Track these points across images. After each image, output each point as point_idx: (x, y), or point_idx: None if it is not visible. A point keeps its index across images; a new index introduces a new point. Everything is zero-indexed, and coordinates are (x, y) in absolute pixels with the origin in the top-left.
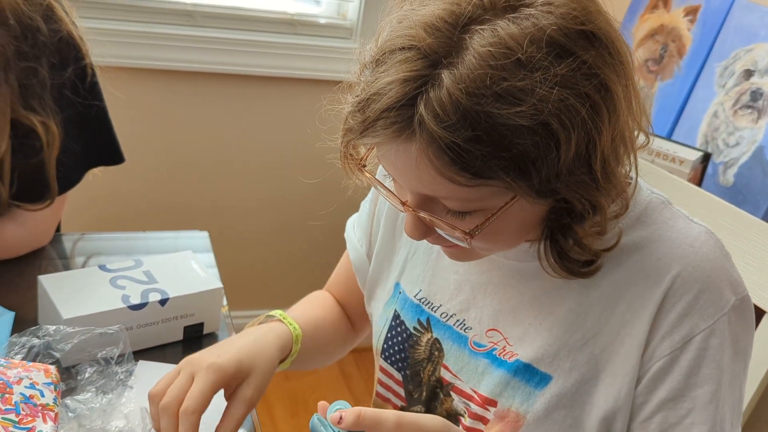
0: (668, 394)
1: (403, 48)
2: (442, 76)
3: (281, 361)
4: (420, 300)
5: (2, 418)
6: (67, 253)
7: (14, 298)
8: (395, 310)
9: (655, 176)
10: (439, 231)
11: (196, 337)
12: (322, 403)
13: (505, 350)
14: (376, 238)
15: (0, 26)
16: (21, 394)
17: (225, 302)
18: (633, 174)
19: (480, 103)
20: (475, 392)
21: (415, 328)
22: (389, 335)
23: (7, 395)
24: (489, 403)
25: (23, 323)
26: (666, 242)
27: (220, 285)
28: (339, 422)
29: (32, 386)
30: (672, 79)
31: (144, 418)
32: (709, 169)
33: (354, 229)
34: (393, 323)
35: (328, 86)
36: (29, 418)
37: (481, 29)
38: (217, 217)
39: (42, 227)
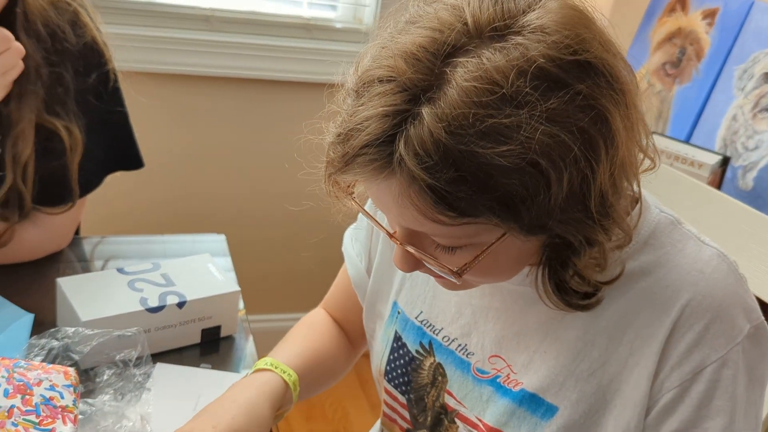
0: (678, 426)
1: (382, 80)
2: (423, 112)
3: (282, 410)
4: (422, 322)
5: (23, 419)
6: (86, 255)
7: (33, 301)
8: (396, 331)
9: (675, 179)
10: (427, 265)
11: (213, 340)
12: None
13: (509, 378)
14: (376, 252)
15: (30, 37)
16: (41, 395)
17: (242, 306)
18: (637, 189)
19: (463, 142)
20: (480, 421)
21: (417, 351)
22: (391, 357)
23: (27, 397)
24: None
25: (42, 325)
26: (675, 268)
27: (237, 288)
28: None
29: (52, 388)
30: (690, 82)
31: (144, 426)
32: (728, 173)
33: (352, 243)
34: (394, 345)
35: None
36: (49, 420)
37: (464, 61)
38: (235, 221)
39: (62, 230)
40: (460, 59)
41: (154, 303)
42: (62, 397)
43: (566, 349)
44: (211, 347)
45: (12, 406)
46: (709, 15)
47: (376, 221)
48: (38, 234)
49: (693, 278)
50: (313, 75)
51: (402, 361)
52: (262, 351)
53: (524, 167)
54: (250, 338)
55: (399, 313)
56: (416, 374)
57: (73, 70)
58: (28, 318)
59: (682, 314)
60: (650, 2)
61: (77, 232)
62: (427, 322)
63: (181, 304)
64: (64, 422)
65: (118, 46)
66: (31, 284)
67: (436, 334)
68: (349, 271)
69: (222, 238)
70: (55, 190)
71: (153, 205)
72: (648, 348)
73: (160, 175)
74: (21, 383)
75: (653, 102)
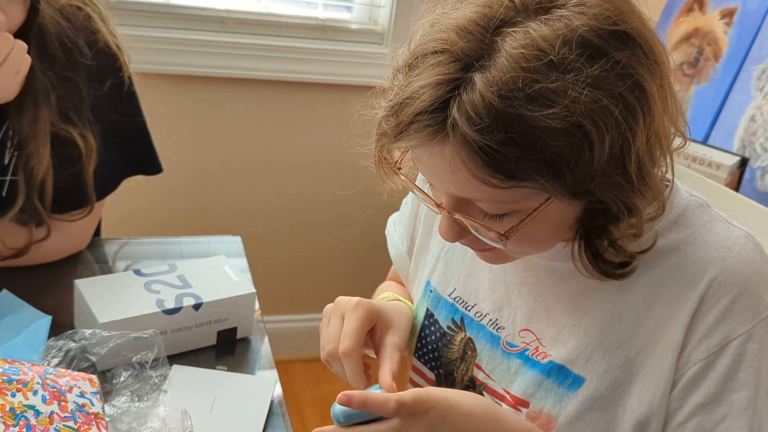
0: (704, 399)
1: (436, 52)
2: (475, 78)
3: None
4: (455, 299)
5: (63, 425)
6: (105, 257)
7: (51, 302)
8: (428, 309)
9: (692, 181)
10: (474, 233)
11: (229, 342)
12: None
13: (537, 351)
14: (417, 236)
15: (45, 59)
16: (74, 402)
17: (257, 306)
18: (670, 176)
19: (512, 105)
20: (507, 392)
21: (449, 327)
22: (422, 334)
23: (63, 403)
24: (521, 403)
25: (60, 327)
26: (703, 245)
27: (253, 290)
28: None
29: (82, 395)
30: (708, 82)
31: (184, 420)
32: (747, 174)
33: (395, 226)
34: (426, 322)
35: (360, 91)
36: (86, 427)
37: (513, 31)
38: (250, 223)
39: (80, 233)
40: (509, 30)
41: (170, 305)
42: (92, 404)
43: (595, 323)
44: (226, 349)
45: (52, 412)
46: (727, 15)
47: (423, 192)
48: (57, 238)
49: (721, 255)
50: (328, 76)
51: (433, 338)
52: (278, 352)
53: (569, 129)
54: (266, 339)
55: (432, 291)
56: (447, 349)
57: (86, 78)
58: (45, 320)
59: (710, 288)
60: (667, 2)
61: (97, 233)
62: (460, 299)
63: (197, 306)
64: (99, 429)
65: (131, 48)
66: (49, 285)
67: (468, 311)
68: (390, 252)
69: (237, 239)
70: (72, 196)
71: (170, 208)
72: (675, 321)
73: (176, 177)
74: (55, 390)
75: None
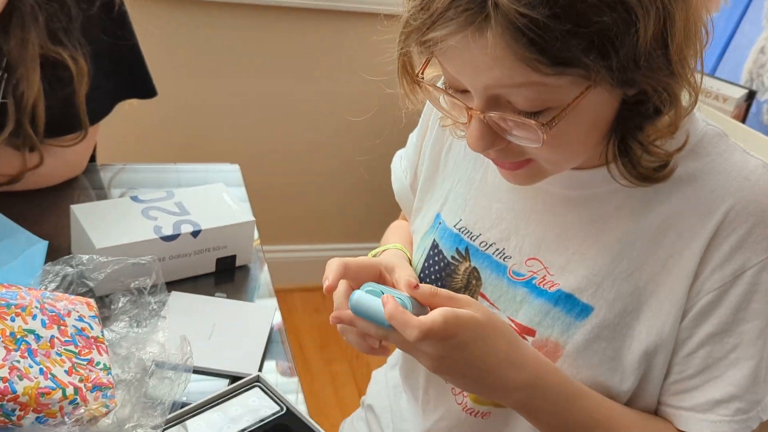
0: (715, 329)
1: None
2: None
3: None
4: (459, 229)
5: (64, 349)
6: (101, 183)
7: (48, 228)
8: (434, 240)
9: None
10: (508, 137)
11: (228, 270)
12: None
13: (545, 279)
14: (422, 170)
15: None
16: (73, 326)
17: (257, 236)
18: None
19: None
20: (512, 321)
21: (453, 257)
22: (426, 264)
23: (62, 327)
24: (527, 332)
25: (56, 252)
26: (721, 174)
27: (252, 218)
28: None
29: (81, 319)
30: (718, 12)
31: (183, 346)
32: (753, 108)
33: (401, 160)
34: (431, 252)
35: (363, 18)
36: (86, 350)
37: None
38: (250, 151)
39: (75, 159)
40: None
41: (168, 231)
42: (92, 328)
43: (606, 251)
44: (225, 276)
45: (52, 336)
46: None
47: (451, 95)
48: (52, 164)
49: (738, 184)
50: (329, 2)
51: (436, 267)
52: (277, 281)
53: (613, 4)
54: (265, 268)
55: (440, 223)
56: (450, 279)
57: None
58: (42, 245)
59: (726, 218)
60: None
61: (93, 159)
62: (465, 229)
63: (195, 233)
64: (99, 353)
65: None
66: (45, 211)
67: (473, 240)
68: (394, 185)
69: (236, 167)
70: (65, 120)
71: (167, 134)
72: (688, 250)
73: (174, 104)
74: (54, 314)
75: None
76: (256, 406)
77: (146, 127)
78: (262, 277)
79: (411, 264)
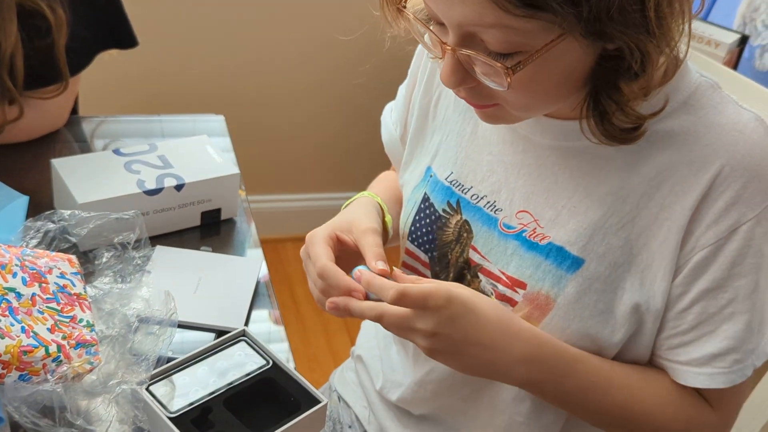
0: (710, 284)
1: None
2: None
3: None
4: (450, 182)
5: (46, 306)
6: (83, 135)
7: (29, 182)
8: (425, 193)
9: (688, 58)
10: (477, 76)
11: (213, 223)
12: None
13: (535, 232)
14: (411, 122)
15: None
16: (55, 283)
17: (242, 187)
18: (681, 54)
19: None
20: (503, 273)
21: (444, 210)
22: (417, 218)
23: (44, 285)
24: (518, 285)
25: (38, 208)
26: (715, 128)
27: (236, 170)
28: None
29: (62, 276)
30: None
31: (168, 301)
32: (746, 53)
33: (390, 113)
34: (422, 206)
35: None
36: (69, 308)
37: None
38: (234, 101)
39: (56, 111)
40: None
41: (151, 185)
42: (74, 285)
43: (596, 204)
44: (211, 230)
45: (33, 294)
46: None
47: (428, 27)
48: (32, 116)
49: (733, 138)
50: None
51: (428, 221)
52: (269, 231)
53: None
54: (251, 221)
55: (431, 176)
56: (441, 232)
57: None
58: (23, 200)
59: (720, 173)
60: None
61: (75, 111)
62: (457, 182)
63: (179, 187)
64: (82, 309)
65: None
66: (26, 165)
67: (465, 193)
68: (383, 137)
69: (221, 118)
70: (44, 71)
71: (150, 85)
72: (680, 204)
73: (156, 54)
74: (34, 271)
75: None
76: (242, 360)
77: (128, 77)
78: (250, 230)
79: (387, 209)
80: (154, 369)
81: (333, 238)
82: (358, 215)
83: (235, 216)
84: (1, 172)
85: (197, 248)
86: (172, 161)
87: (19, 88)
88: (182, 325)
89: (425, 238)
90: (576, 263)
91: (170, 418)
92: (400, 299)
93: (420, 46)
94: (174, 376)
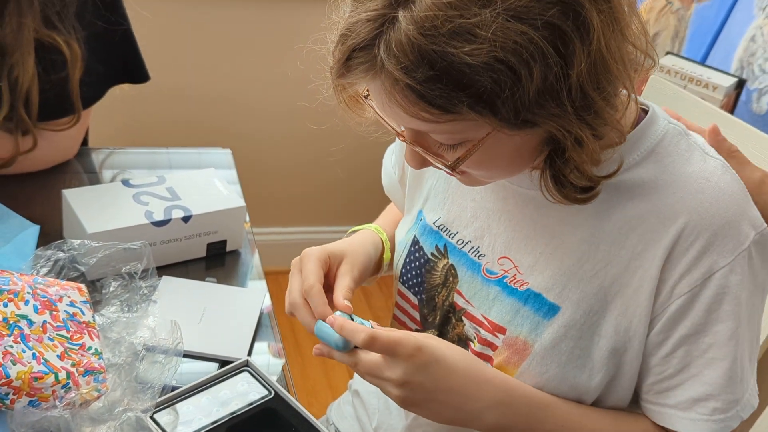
0: (689, 330)
1: None
2: (399, 16)
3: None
4: (439, 227)
5: (56, 334)
6: (93, 167)
7: (39, 212)
8: (415, 236)
9: (687, 103)
10: (433, 163)
11: (219, 254)
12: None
13: (515, 278)
14: (408, 168)
15: None
16: (65, 311)
17: (247, 219)
18: (633, 94)
19: (435, 42)
20: (485, 318)
21: (432, 254)
22: (408, 260)
23: (54, 312)
24: (498, 330)
25: (48, 237)
26: (682, 177)
27: (242, 203)
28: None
29: (72, 304)
30: (710, 1)
31: (174, 330)
32: (743, 96)
33: (391, 155)
34: (412, 248)
35: None
36: (78, 335)
37: None
38: (242, 134)
39: (67, 142)
40: None
41: (159, 216)
42: (83, 313)
43: (571, 251)
44: (216, 261)
45: (44, 322)
46: None
47: (385, 121)
48: (44, 147)
49: (699, 186)
50: None
51: (417, 264)
52: (268, 264)
53: (493, 65)
54: (256, 252)
55: (421, 220)
56: (429, 275)
57: None
58: (34, 229)
59: (689, 222)
60: None
61: (85, 143)
62: (444, 226)
63: (186, 218)
64: (91, 337)
65: None
66: (37, 195)
67: (451, 238)
68: (383, 179)
69: (228, 151)
70: (58, 104)
71: (159, 119)
72: (651, 253)
73: (166, 88)
74: (45, 299)
75: (670, 21)
76: (245, 390)
77: (138, 111)
78: (253, 261)
79: (389, 246)
80: (159, 397)
81: (326, 261)
82: (351, 250)
83: (240, 248)
84: (13, 201)
85: (202, 279)
86: (180, 193)
87: (33, 120)
88: (186, 355)
89: (415, 281)
90: (552, 309)
91: None
92: (370, 343)
93: None
94: (178, 405)
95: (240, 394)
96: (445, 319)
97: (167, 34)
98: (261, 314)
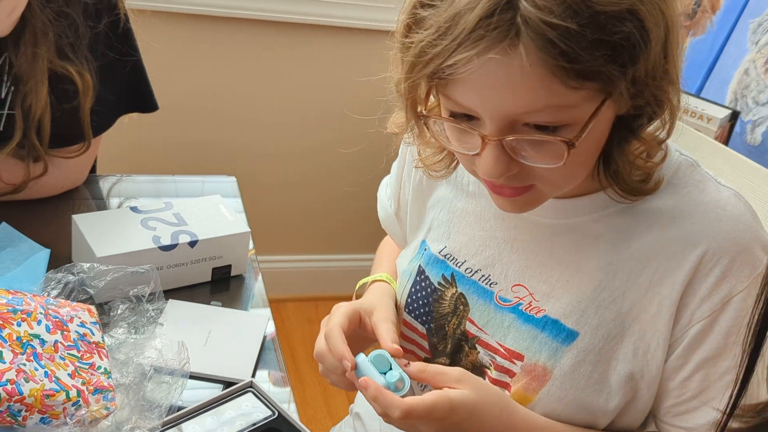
0: (708, 353)
1: None
2: None
3: None
4: (445, 256)
5: (67, 353)
6: (99, 193)
7: (49, 237)
8: (419, 266)
9: (681, 134)
10: (524, 160)
11: (223, 279)
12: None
13: (531, 305)
14: (406, 200)
15: None
16: (76, 332)
17: (252, 246)
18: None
19: None
20: (501, 345)
21: (439, 283)
22: (413, 290)
23: (65, 332)
24: (516, 356)
25: (57, 261)
26: (699, 206)
27: (247, 229)
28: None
29: (82, 325)
30: (704, 35)
31: (181, 351)
32: (737, 128)
33: (386, 188)
34: (417, 278)
35: (364, 35)
36: (88, 355)
37: None
38: (246, 163)
39: (76, 169)
40: None
41: (166, 241)
42: (93, 334)
43: (588, 279)
44: (221, 285)
45: (56, 341)
46: None
47: (467, 123)
48: (54, 174)
49: (716, 215)
50: (328, 18)
51: (423, 293)
52: (271, 291)
53: (627, 15)
54: (260, 278)
55: (426, 249)
56: (437, 305)
57: (83, 14)
58: (44, 253)
59: (708, 250)
60: None
61: (93, 170)
62: (450, 255)
63: (192, 243)
64: (101, 357)
65: None
66: (46, 220)
67: (459, 267)
68: (379, 213)
69: (233, 179)
70: (68, 131)
71: (165, 146)
72: (670, 279)
73: (173, 117)
74: (57, 320)
75: None
76: (249, 410)
77: (145, 139)
78: (257, 286)
79: (396, 295)
80: (165, 417)
81: (356, 314)
82: (380, 302)
83: (244, 273)
84: (23, 227)
85: (208, 303)
86: (187, 219)
87: (45, 147)
88: (192, 376)
89: (421, 310)
90: (571, 336)
91: None
92: (406, 416)
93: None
94: (183, 425)
95: (244, 414)
96: (456, 348)
97: (174, 63)
98: (265, 339)
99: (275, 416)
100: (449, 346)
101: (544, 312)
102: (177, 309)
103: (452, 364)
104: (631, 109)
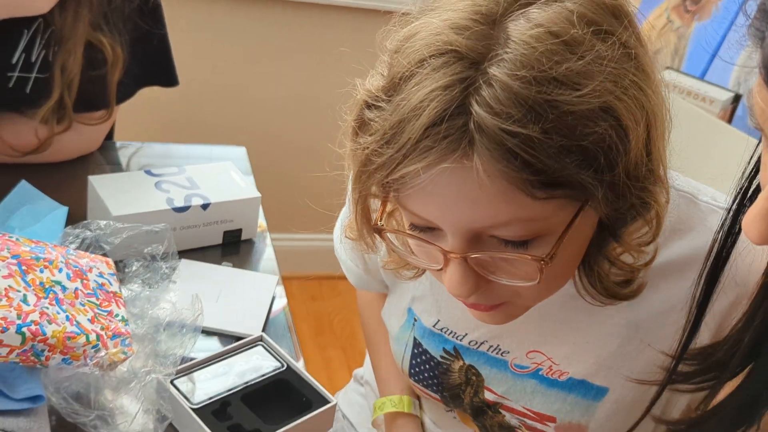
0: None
1: (434, 55)
2: (490, 71)
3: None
4: (440, 330)
5: (87, 300)
6: (115, 159)
7: (65, 198)
8: (415, 338)
9: (687, 113)
10: (494, 278)
11: (234, 242)
12: None
13: (551, 369)
14: (372, 256)
15: None
16: (95, 281)
17: (265, 223)
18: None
19: (542, 91)
20: (528, 410)
21: (442, 357)
22: (414, 361)
23: (85, 281)
24: (548, 419)
25: (73, 221)
26: (707, 245)
27: (258, 194)
28: None
29: (101, 275)
30: (709, 19)
31: (195, 303)
32: (739, 111)
33: (342, 246)
34: (415, 351)
35: (378, 17)
36: (106, 303)
37: (515, 21)
38: (258, 141)
39: (95, 135)
40: (509, 20)
41: (179, 203)
42: (111, 284)
43: (610, 336)
44: (232, 248)
45: (76, 288)
46: None
47: (427, 240)
48: (74, 138)
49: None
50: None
51: (427, 366)
52: (284, 268)
53: (600, 113)
54: (268, 239)
55: (416, 320)
56: (446, 376)
57: None
58: (62, 210)
59: (726, 279)
60: None
61: (110, 137)
62: (447, 329)
63: (205, 206)
64: (118, 306)
65: None
66: (63, 183)
67: (460, 340)
68: (347, 276)
69: (242, 149)
70: (92, 98)
71: (180, 118)
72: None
73: (189, 90)
74: (77, 269)
75: (671, 39)
76: (259, 362)
77: (161, 110)
78: (266, 251)
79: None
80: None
81: None
82: None
83: (254, 237)
84: (41, 188)
85: (218, 263)
86: (199, 183)
87: (71, 108)
88: (204, 330)
89: (429, 381)
90: (601, 392)
91: (193, 409)
92: None
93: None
94: (196, 374)
95: (254, 366)
96: (478, 412)
97: (193, 39)
98: (269, 314)
99: (284, 368)
100: (469, 410)
101: (568, 374)
102: (189, 268)
103: (478, 424)
104: (611, 212)
